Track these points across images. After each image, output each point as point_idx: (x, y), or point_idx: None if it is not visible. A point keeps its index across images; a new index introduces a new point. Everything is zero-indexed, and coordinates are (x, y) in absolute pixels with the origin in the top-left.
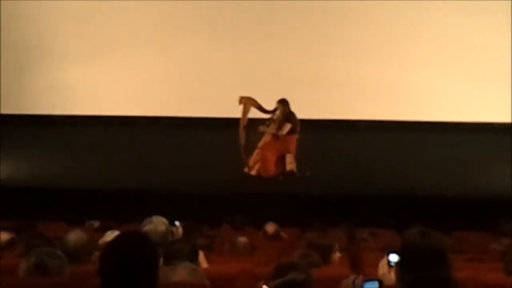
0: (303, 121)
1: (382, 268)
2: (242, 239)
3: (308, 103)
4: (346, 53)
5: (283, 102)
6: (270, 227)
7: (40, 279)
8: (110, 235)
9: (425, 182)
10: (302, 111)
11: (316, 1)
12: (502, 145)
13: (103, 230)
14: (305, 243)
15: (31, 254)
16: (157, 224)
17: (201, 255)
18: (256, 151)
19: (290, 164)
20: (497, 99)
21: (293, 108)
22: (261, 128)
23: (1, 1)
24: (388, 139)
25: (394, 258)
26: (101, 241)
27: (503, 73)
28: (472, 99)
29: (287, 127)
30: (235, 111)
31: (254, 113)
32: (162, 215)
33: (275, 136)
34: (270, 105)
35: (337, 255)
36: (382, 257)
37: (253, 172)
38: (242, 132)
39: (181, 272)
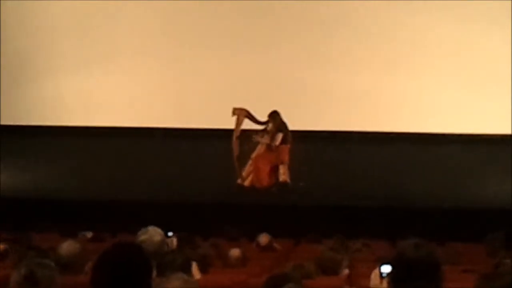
0: (297, 132)
1: (374, 279)
2: (235, 250)
3: (302, 114)
4: (341, 64)
5: (273, 115)
6: (263, 238)
7: None
8: None
9: (419, 194)
10: (296, 122)
11: (311, 13)
12: (500, 156)
13: (96, 240)
14: (298, 254)
15: (22, 265)
16: (152, 234)
17: (194, 266)
18: (250, 162)
19: (284, 175)
20: (496, 110)
21: (287, 119)
22: (255, 137)
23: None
24: (382, 150)
25: (386, 269)
26: None
27: (503, 84)
28: (471, 110)
29: (279, 136)
30: (229, 122)
31: (247, 124)
32: (156, 226)
33: (268, 147)
34: (264, 116)
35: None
36: (375, 268)
37: (247, 183)
38: (235, 143)
39: (174, 283)
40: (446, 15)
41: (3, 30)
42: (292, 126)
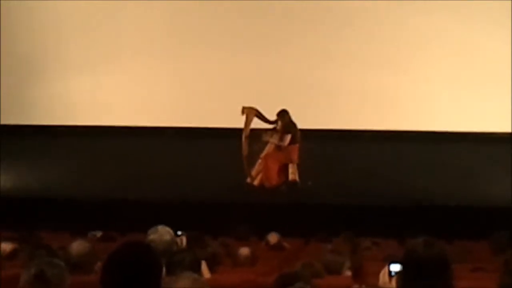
0: (306, 131)
1: (383, 277)
2: (245, 249)
3: (311, 113)
4: (348, 63)
5: (282, 113)
6: (273, 237)
7: None
8: None
9: (427, 192)
10: (305, 121)
11: (317, 12)
12: (505, 154)
13: (106, 240)
14: (308, 253)
15: (31, 265)
16: (162, 233)
17: (203, 265)
18: (259, 161)
19: (293, 174)
20: (498, 109)
21: (295, 117)
22: (264, 136)
23: (2, 11)
24: (389, 149)
25: (395, 268)
26: None
27: (504, 82)
28: (473, 108)
29: (288, 137)
30: (238, 121)
31: (256, 123)
32: (165, 225)
33: (278, 146)
34: (273, 115)
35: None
36: (384, 267)
37: (256, 182)
38: (244, 142)
39: (183, 282)
40: (448, 15)
41: (7, 29)
42: (301, 124)
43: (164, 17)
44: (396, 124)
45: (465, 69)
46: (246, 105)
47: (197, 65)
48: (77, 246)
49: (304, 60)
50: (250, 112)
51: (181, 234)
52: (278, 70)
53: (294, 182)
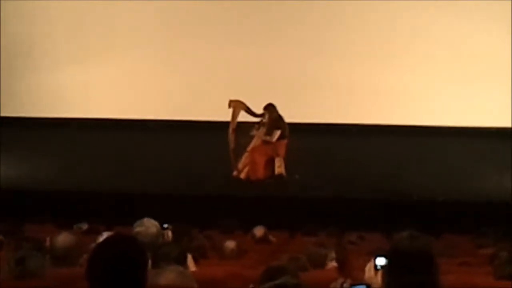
0: (294, 124)
1: (369, 271)
2: (231, 243)
3: (299, 106)
4: (340, 57)
5: (269, 108)
6: (259, 231)
7: (26, 283)
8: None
9: (416, 186)
10: (293, 114)
11: (310, 5)
12: (498, 150)
13: (91, 233)
14: (294, 246)
15: (13, 256)
16: (148, 226)
17: (189, 258)
18: (245, 154)
19: (279, 167)
20: (496, 104)
21: (284, 111)
22: (251, 130)
23: None
24: (379, 143)
25: (380, 261)
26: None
27: (503, 77)
28: (471, 103)
29: (277, 133)
30: (225, 114)
31: (243, 117)
32: (151, 217)
33: (265, 141)
34: (261, 108)
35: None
36: (370, 261)
37: (242, 176)
38: (231, 136)
39: (169, 275)
40: (446, 9)
41: (3, 23)
42: (289, 118)
43: (155, 10)
44: (389, 118)
45: (462, 62)
46: (233, 98)
47: (187, 59)
48: (62, 239)
49: (292, 53)
50: (237, 105)
51: (167, 227)
52: (267, 63)
53: (280, 175)
